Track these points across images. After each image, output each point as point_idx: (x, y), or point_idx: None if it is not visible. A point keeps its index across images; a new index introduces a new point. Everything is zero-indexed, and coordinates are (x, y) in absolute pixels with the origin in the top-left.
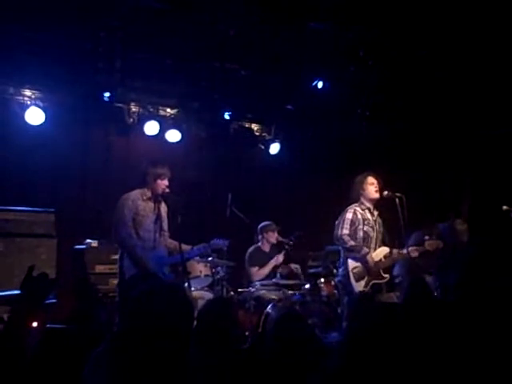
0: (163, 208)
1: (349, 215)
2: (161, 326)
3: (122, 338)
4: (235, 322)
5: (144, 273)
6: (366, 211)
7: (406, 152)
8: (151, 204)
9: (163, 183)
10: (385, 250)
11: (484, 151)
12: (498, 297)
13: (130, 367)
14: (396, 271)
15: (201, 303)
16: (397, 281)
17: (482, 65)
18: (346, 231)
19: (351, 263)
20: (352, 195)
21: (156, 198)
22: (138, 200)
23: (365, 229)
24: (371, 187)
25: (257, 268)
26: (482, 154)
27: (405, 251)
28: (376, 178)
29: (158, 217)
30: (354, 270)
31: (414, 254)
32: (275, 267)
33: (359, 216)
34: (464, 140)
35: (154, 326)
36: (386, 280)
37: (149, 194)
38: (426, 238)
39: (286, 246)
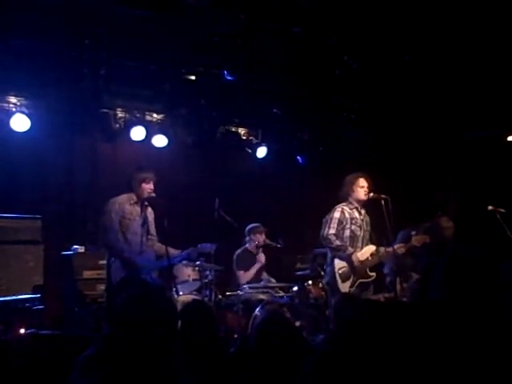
0: (150, 213)
1: (336, 214)
2: (145, 331)
3: (108, 342)
4: (215, 326)
5: (131, 277)
6: (354, 210)
7: (392, 153)
8: (138, 208)
9: (148, 187)
10: (371, 248)
11: (470, 152)
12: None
13: (116, 371)
14: (386, 270)
15: None
16: (388, 280)
17: (467, 67)
18: (332, 231)
19: (337, 263)
20: (341, 194)
21: (142, 203)
22: (125, 204)
23: (352, 228)
24: (361, 189)
25: (243, 271)
26: (468, 155)
27: (391, 249)
28: (367, 181)
29: (145, 221)
30: (340, 271)
31: (401, 251)
32: (261, 268)
33: (347, 215)
34: (450, 141)
35: (138, 331)
36: (372, 278)
37: (135, 198)
38: (413, 233)
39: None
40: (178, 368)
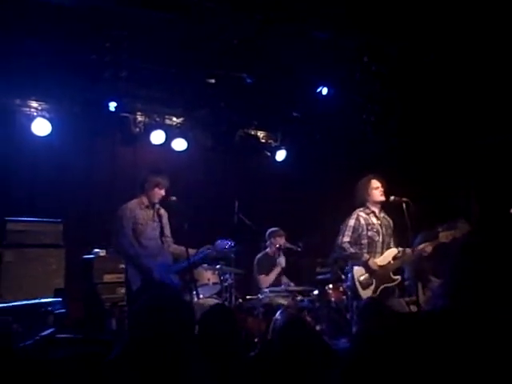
0: (163, 214)
1: (351, 222)
2: (161, 336)
3: (131, 346)
4: (236, 329)
5: (149, 282)
6: (371, 215)
7: (411, 158)
8: (150, 212)
9: (160, 193)
10: (393, 251)
11: (488, 157)
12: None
13: (141, 375)
14: (406, 275)
15: None
16: (407, 283)
17: (488, 71)
18: (346, 238)
19: (357, 270)
20: (357, 200)
21: (154, 206)
22: (136, 209)
23: (369, 234)
24: (376, 191)
25: (263, 275)
26: (487, 160)
27: (418, 248)
28: (380, 181)
29: (159, 224)
30: (360, 279)
31: (429, 249)
32: (281, 271)
33: (362, 221)
34: (469, 145)
35: (155, 336)
36: (396, 282)
37: (146, 201)
38: (440, 229)
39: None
40: (198, 371)
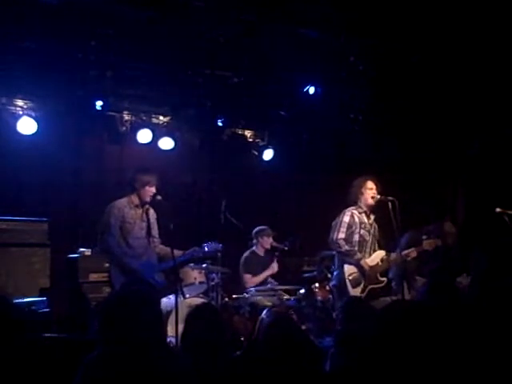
0: (152, 214)
1: (346, 218)
2: (127, 331)
3: (112, 344)
4: (223, 328)
5: (132, 280)
6: (363, 215)
7: (398, 155)
8: (139, 211)
9: (151, 190)
10: (381, 253)
11: (476, 156)
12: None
13: (121, 373)
14: (391, 275)
15: None
16: (393, 284)
17: (476, 68)
18: (341, 235)
19: (347, 269)
20: (350, 198)
21: (143, 205)
22: (125, 208)
23: (361, 232)
24: (370, 191)
25: (250, 275)
26: (475, 159)
27: (403, 253)
28: (375, 183)
29: (147, 223)
30: (350, 277)
31: (413, 255)
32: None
33: (356, 219)
34: (457, 144)
35: (121, 332)
36: (383, 284)
37: (136, 201)
38: (424, 237)
39: (276, 253)
40: (183, 368)
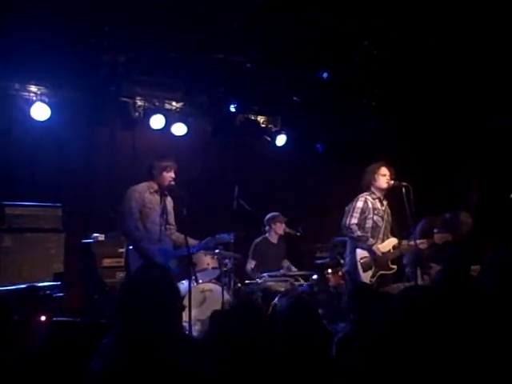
0: (169, 202)
1: (359, 204)
2: (144, 317)
3: (128, 328)
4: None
5: (149, 264)
6: (377, 201)
7: (412, 142)
8: (157, 197)
9: (169, 175)
10: (393, 240)
11: (490, 141)
12: None
13: (136, 357)
14: (405, 261)
15: (209, 295)
16: (407, 270)
17: (491, 53)
18: (354, 220)
19: (359, 253)
20: (363, 184)
21: (162, 192)
22: (145, 193)
23: (374, 218)
24: (383, 178)
25: (254, 262)
26: (489, 144)
27: (414, 243)
28: (389, 170)
29: (164, 210)
30: (362, 260)
31: (424, 246)
32: (281, 256)
33: (370, 205)
34: (470, 129)
35: (138, 318)
36: (393, 271)
37: (155, 186)
38: (435, 230)
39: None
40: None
